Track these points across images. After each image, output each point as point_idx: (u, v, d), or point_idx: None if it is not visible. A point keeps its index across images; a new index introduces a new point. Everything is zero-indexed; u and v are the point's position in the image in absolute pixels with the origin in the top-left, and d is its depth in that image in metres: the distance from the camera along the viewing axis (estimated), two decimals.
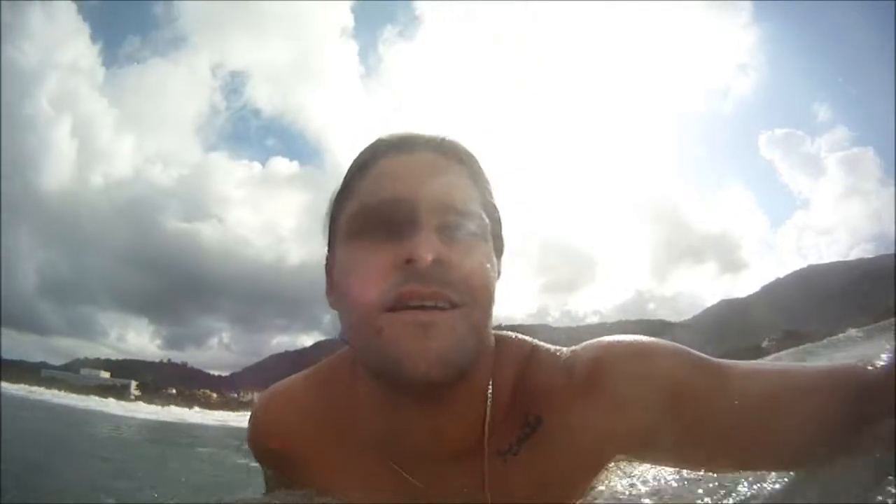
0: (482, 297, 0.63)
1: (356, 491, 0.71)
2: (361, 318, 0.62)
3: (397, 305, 0.60)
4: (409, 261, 0.60)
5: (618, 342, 0.69)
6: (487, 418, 0.68)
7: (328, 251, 0.73)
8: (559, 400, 0.67)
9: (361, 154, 0.72)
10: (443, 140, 0.70)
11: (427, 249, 0.59)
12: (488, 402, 0.68)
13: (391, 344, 0.60)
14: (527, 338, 0.76)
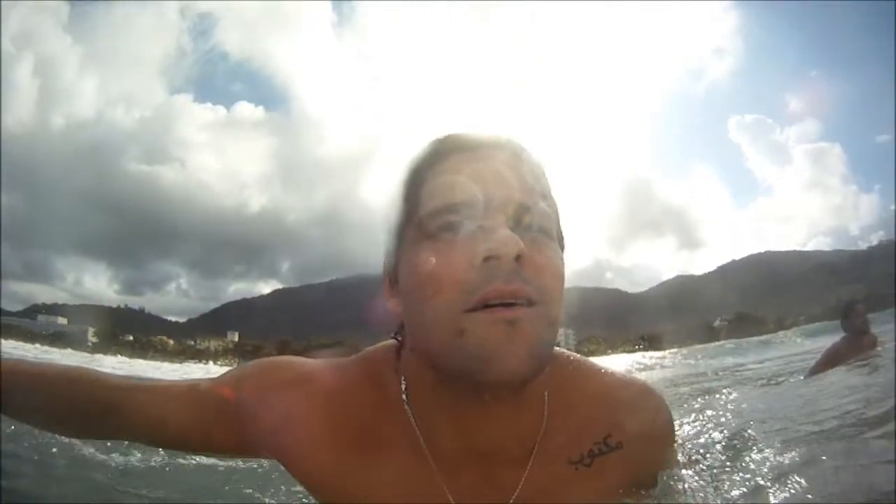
0: (557, 295, 0.64)
1: (382, 493, 0.69)
2: (440, 319, 0.61)
3: (478, 305, 0.59)
4: (488, 259, 0.59)
5: (655, 391, 0.80)
6: (543, 426, 0.71)
7: (391, 253, 0.70)
8: (636, 430, 0.73)
9: (425, 154, 0.70)
10: (507, 140, 0.70)
11: (511, 246, 0.59)
12: (544, 411, 0.71)
13: (477, 344, 0.59)
14: (570, 352, 0.79)
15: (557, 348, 0.73)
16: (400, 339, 0.74)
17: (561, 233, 0.71)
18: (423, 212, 0.65)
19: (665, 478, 0.75)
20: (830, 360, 3.41)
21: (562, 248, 0.70)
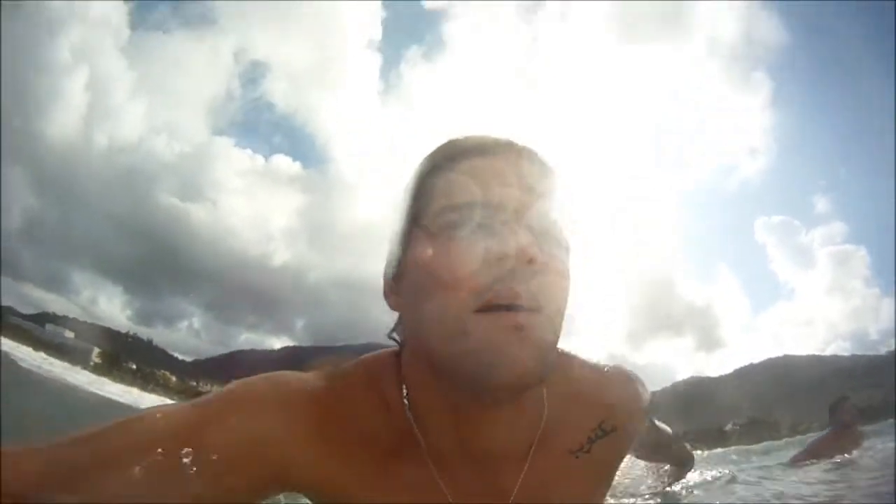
0: (563, 304, 0.63)
1: (381, 496, 0.67)
2: (445, 316, 0.59)
3: (486, 306, 0.58)
4: (502, 258, 0.59)
5: (633, 373, 0.86)
6: (543, 420, 0.71)
7: (397, 248, 0.68)
8: (625, 413, 0.78)
9: (439, 153, 0.70)
10: (521, 145, 0.69)
11: (528, 248, 0.58)
12: (544, 407, 0.72)
13: (483, 348, 0.57)
14: (569, 350, 0.80)
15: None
16: (399, 340, 0.73)
17: (568, 243, 0.70)
18: (435, 208, 0.64)
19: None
20: (813, 451, 3.57)
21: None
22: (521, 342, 0.57)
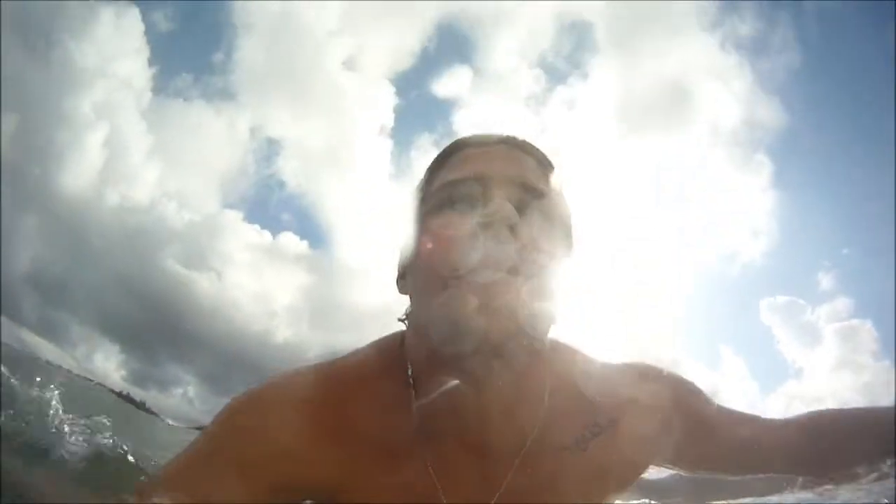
0: (549, 277, 0.64)
1: (371, 481, 0.67)
2: (430, 283, 0.63)
3: (466, 271, 0.60)
4: (484, 226, 0.62)
5: (662, 368, 0.80)
6: (542, 414, 0.70)
7: (405, 245, 0.72)
8: (629, 407, 0.74)
9: (442, 150, 0.76)
10: (517, 137, 0.74)
11: (505, 212, 0.62)
12: (545, 400, 0.71)
13: (455, 308, 0.59)
14: (570, 344, 0.79)
15: (558, 340, 0.76)
16: (406, 321, 0.74)
17: (570, 237, 0.74)
18: (428, 192, 0.71)
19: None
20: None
21: (567, 249, 0.72)
22: (491, 298, 0.59)
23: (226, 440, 0.67)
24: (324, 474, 0.68)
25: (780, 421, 0.82)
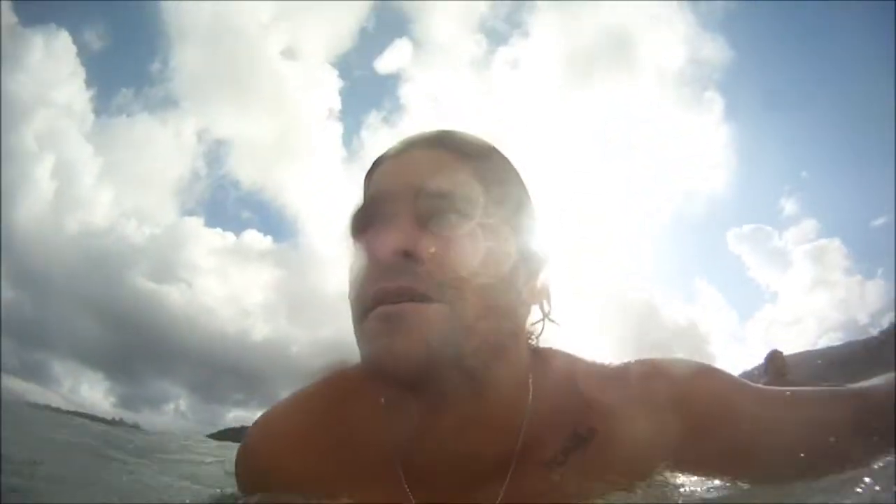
0: (472, 291, 0.59)
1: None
2: (354, 315, 0.62)
3: (373, 305, 0.58)
4: (377, 259, 0.58)
5: (672, 360, 0.70)
6: (522, 431, 0.65)
7: None
8: (612, 411, 0.65)
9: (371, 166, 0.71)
10: (444, 134, 0.68)
11: (386, 243, 0.58)
12: (526, 414, 0.65)
13: (367, 341, 0.59)
14: (569, 352, 0.74)
15: (549, 347, 0.72)
16: None
17: (519, 223, 0.67)
18: (350, 219, 0.66)
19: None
20: None
21: (534, 266, 0.67)
22: (392, 332, 0.57)
23: (246, 486, 0.76)
24: (312, 492, 0.69)
25: (828, 391, 0.68)
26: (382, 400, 0.69)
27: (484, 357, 0.61)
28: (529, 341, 0.70)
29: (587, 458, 0.64)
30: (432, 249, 0.58)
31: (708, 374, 0.69)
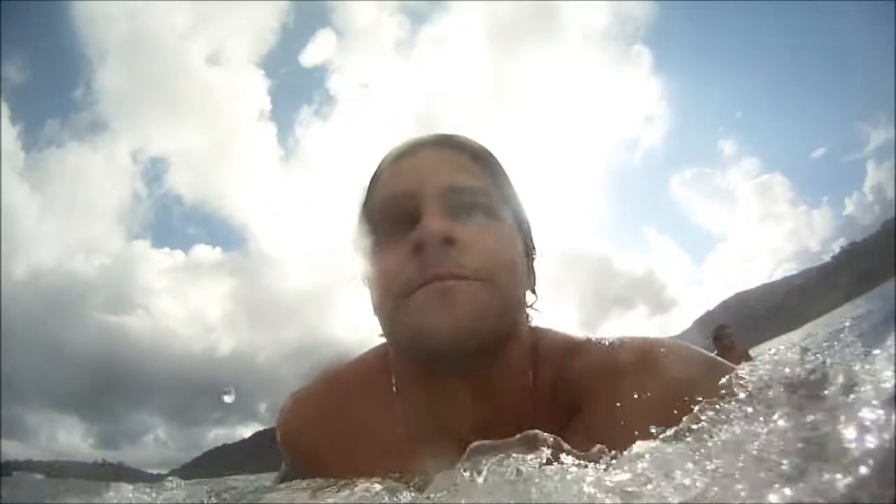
0: (502, 274, 0.66)
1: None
2: (386, 306, 0.67)
3: (420, 286, 0.63)
4: (419, 248, 0.63)
5: (660, 340, 0.72)
6: (530, 407, 0.70)
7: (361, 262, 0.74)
8: (601, 390, 0.68)
9: (378, 165, 0.77)
10: (449, 136, 0.75)
11: (434, 230, 0.63)
12: (531, 392, 0.71)
13: (414, 314, 0.63)
14: (567, 332, 0.78)
15: (550, 328, 0.77)
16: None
17: (529, 237, 0.75)
18: (363, 217, 0.73)
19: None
20: None
21: (528, 252, 0.75)
22: (448, 303, 0.62)
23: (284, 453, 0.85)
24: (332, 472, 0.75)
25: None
26: (394, 388, 0.75)
27: (509, 337, 0.69)
28: (527, 321, 0.76)
29: (578, 436, 0.65)
30: (467, 237, 0.65)
31: (694, 356, 0.71)
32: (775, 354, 0.55)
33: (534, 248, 0.78)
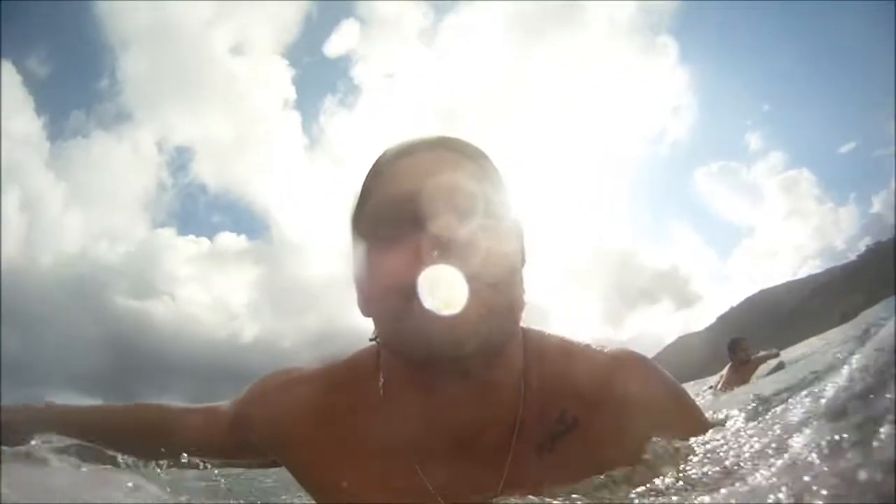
0: (506, 276, 0.66)
1: (368, 490, 0.71)
2: (388, 307, 0.66)
3: (423, 292, 0.62)
4: (423, 249, 0.63)
5: (644, 358, 0.75)
6: (520, 411, 0.70)
7: (355, 263, 0.74)
8: (596, 401, 0.69)
9: (372, 166, 0.75)
10: (447, 138, 0.74)
11: (439, 231, 0.63)
12: (521, 395, 0.71)
13: (422, 317, 0.61)
14: (554, 333, 0.78)
15: (539, 330, 0.77)
16: (377, 340, 0.76)
17: (521, 244, 0.74)
18: (365, 218, 0.71)
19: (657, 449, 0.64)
20: (724, 384, 4.66)
21: (521, 257, 0.73)
22: (457, 308, 0.61)
23: (237, 419, 0.84)
24: (305, 469, 0.79)
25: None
26: (381, 391, 0.75)
27: (509, 341, 0.70)
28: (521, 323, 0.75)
29: (572, 445, 0.68)
30: (471, 239, 0.64)
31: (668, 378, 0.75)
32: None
33: (527, 248, 0.77)
